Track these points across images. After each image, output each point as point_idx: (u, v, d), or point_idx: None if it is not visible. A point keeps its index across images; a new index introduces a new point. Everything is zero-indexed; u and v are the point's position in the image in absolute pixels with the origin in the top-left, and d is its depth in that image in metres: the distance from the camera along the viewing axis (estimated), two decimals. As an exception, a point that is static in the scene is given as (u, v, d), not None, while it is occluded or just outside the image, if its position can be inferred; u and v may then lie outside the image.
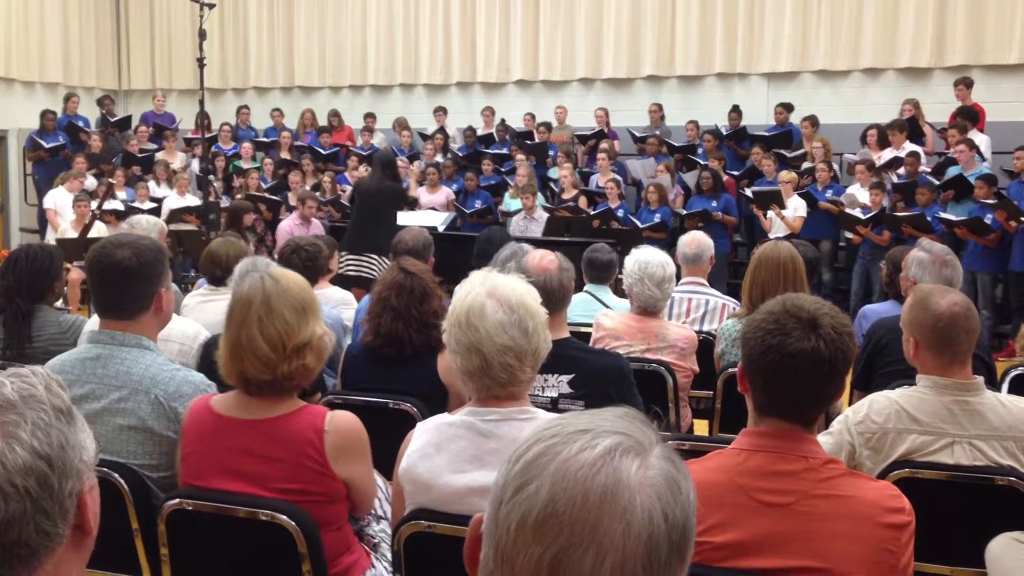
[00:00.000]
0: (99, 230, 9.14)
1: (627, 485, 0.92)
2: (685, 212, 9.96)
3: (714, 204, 9.99)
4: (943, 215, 8.63)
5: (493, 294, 2.09)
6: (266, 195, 11.15)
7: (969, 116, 9.78)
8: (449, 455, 2.11)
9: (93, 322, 3.47)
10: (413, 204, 10.50)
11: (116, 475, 2.40)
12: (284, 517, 2.23)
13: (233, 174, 12.14)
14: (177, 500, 2.34)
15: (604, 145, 11.21)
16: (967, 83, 10.14)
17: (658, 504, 0.92)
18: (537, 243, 5.43)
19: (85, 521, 1.14)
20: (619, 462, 0.93)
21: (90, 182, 11.21)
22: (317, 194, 10.92)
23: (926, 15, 11.26)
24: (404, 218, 9.14)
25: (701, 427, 4.35)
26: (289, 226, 9.32)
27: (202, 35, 8.67)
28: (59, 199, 10.69)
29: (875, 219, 9.01)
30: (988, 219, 8.39)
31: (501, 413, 2.09)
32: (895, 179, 9.54)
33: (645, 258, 3.99)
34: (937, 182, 9.29)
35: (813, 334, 1.87)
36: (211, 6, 8.82)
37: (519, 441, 1.00)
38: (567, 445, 0.95)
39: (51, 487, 1.08)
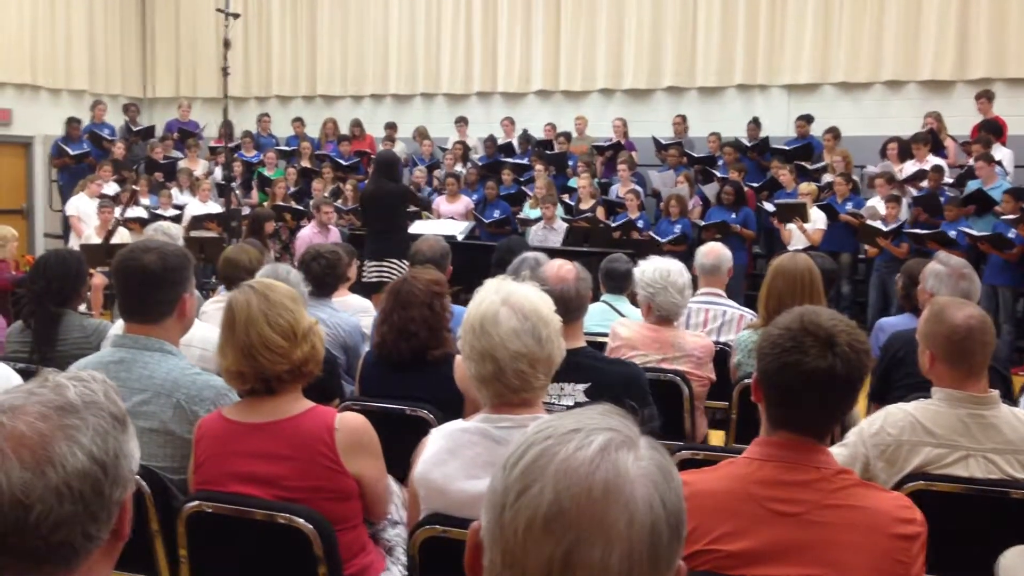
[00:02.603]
0: (122, 236, 9.23)
1: (627, 477, 0.96)
2: (703, 223, 9.96)
3: (733, 216, 9.99)
4: (966, 229, 8.58)
5: (507, 301, 2.12)
6: (292, 204, 11.24)
7: (993, 130, 9.72)
8: (463, 461, 2.14)
9: (118, 326, 3.52)
10: (427, 204, 10.43)
11: (137, 477, 2.42)
12: (302, 520, 2.26)
13: (254, 180, 12.26)
14: (196, 502, 2.37)
15: (623, 156, 11.23)
16: (989, 96, 10.08)
17: (656, 492, 0.96)
18: (556, 253, 5.44)
19: (122, 526, 1.18)
20: (615, 456, 0.97)
21: (111, 188, 11.33)
22: (339, 202, 10.98)
23: (948, 28, 11.19)
24: (424, 227, 9.15)
25: (717, 437, 4.36)
26: (308, 234, 9.38)
27: (227, 44, 8.76)
28: (81, 205, 10.82)
29: (896, 231, 8.97)
30: (1012, 235, 8.34)
31: (514, 420, 2.11)
32: (915, 192, 9.50)
33: (664, 267, 4.02)
34: (959, 195, 9.23)
35: (830, 352, 1.88)
36: (236, 16, 8.93)
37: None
38: (563, 445, 0.97)
39: (102, 493, 1.12)
